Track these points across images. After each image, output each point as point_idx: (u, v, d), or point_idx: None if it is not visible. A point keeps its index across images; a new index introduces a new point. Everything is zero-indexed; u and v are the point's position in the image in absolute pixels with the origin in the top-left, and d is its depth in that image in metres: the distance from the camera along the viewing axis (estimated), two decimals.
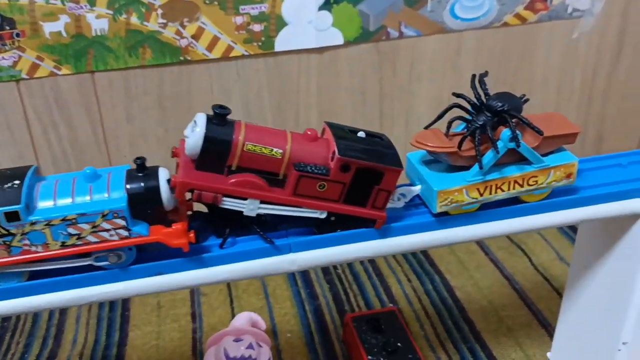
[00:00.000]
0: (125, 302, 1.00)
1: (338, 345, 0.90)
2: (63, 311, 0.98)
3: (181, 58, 0.99)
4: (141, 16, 0.94)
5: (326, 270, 1.06)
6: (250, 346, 0.79)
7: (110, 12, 0.93)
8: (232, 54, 1.01)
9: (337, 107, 1.11)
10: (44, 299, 0.56)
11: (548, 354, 0.87)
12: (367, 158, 0.56)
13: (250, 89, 1.05)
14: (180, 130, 0.57)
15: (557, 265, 1.05)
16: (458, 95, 0.62)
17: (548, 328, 0.91)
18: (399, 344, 0.80)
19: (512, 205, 0.62)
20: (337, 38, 1.04)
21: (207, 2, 0.96)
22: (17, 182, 0.53)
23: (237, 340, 0.80)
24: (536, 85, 1.20)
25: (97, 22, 0.93)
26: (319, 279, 1.04)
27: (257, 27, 1.00)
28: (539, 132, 0.60)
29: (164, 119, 1.04)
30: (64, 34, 0.93)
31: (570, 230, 1.13)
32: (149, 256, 0.57)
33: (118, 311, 0.98)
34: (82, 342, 0.92)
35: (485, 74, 0.63)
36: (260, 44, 1.01)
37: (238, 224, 0.58)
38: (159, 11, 0.95)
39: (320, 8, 1.01)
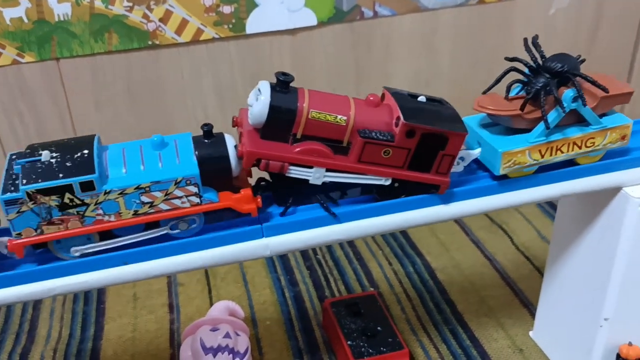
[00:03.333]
0: (101, 295, 0.98)
1: (319, 332, 0.88)
2: (36, 306, 0.96)
3: (149, 42, 0.96)
4: (105, 0, 0.91)
5: (306, 256, 1.04)
6: (227, 335, 0.77)
7: None
8: (202, 37, 0.98)
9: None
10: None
11: (530, 333, 0.86)
12: (432, 123, 0.55)
13: (222, 73, 1.02)
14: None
15: (538, 244, 1.04)
16: (512, 59, 0.62)
17: (530, 307, 0.90)
18: (378, 328, 0.79)
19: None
20: (310, 19, 1.02)
21: None
22: (86, 151, 0.52)
23: (213, 329, 0.78)
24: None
25: (60, 7, 0.90)
26: (299, 265, 1.02)
27: (227, 9, 0.97)
28: (605, 90, 0.60)
29: (134, 106, 1.01)
30: (25, 19, 0.89)
31: (551, 209, 1.12)
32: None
33: (93, 304, 0.96)
34: (56, 337, 0.90)
35: (537, 37, 0.63)
36: (230, 26, 0.98)
37: (299, 193, 0.57)
38: None
39: None
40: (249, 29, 0.99)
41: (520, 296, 0.93)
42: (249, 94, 0.56)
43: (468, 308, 0.91)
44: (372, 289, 0.96)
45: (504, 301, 0.92)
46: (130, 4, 0.92)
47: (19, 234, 0.52)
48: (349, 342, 0.77)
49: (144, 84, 1.00)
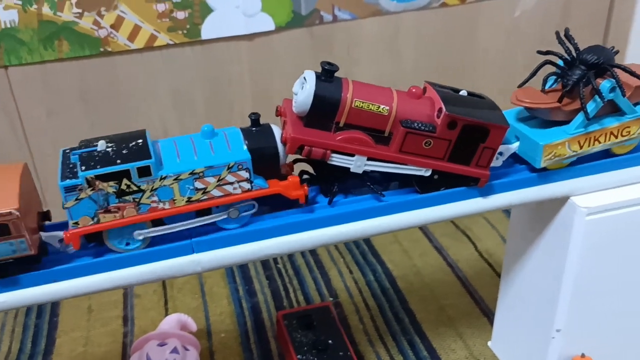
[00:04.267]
0: (55, 307, 0.95)
1: (274, 344, 0.86)
2: None
3: (101, 49, 0.94)
4: (53, 6, 0.89)
5: (266, 265, 1.02)
6: (174, 350, 0.75)
7: (19, 2, 0.87)
8: (157, 44, 0.96)
9: (273, 95, 1.06)
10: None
11: (489, 343, 0.84)
12: (474, 115, 0.56)
13: (179, 79, 1.00)
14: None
15: (501, 250, 1.02)
16: (546, 53, 0.63)
17: (490, 316, 0.89)
18: (330, 341, 0.77)
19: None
20: (268, 23, 1.00)
21: None
22: (140, 141, 0.53)
23: (161, 344, 0.76)
24: (480, 65, 1.17)
25: (6, 14, 0.88)
26: (259, 275, 1.00)
27: (180, 15, 0.95)
28: None
29: (88, 113, 0.99)
30: None
31: None
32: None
33: (46, 317, 0.94)
34: (5, 352, 0.88)
35: (568, 30, 0.64)
36: (185, 32, 0.96)
37: (341, 182, 0.58)
38: (73, 0, 0.89)
39: None
40: (205, 35, 0.97)
41: (481, 305, 0.91)
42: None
43: (427, 317, 0.90)
44: (331, 298, 0.94)
45: (464, 310, 0.91)
46: (80, 11, 0.90)
47: (76, 223, 0.52)
48: (298, 356, 0.75)
49: (98, 91, 0.98)
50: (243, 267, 1.01)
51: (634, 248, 0.65)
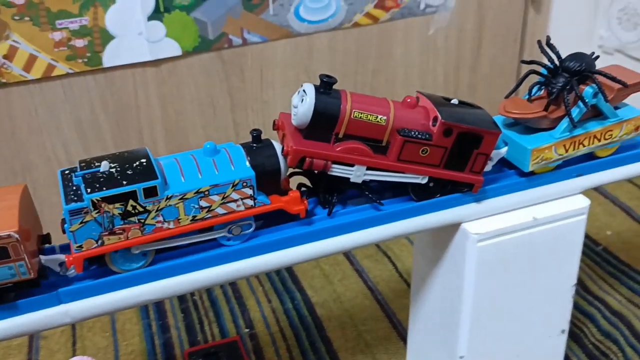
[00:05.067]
0: None
1: None
2: None
3: None
4: None
5: (182, 298, 0.98)
6: None
7: None
8: (55, 73, 0.92)
9: (185, 122, 1.04)
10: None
11: None
12: (468, 122, 0.57)
13: (81, 109, 0.97)
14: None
15: None
16: (530, 62, 0.65)
17: (406, 341, 0.87)
18: None
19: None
20: (174, 49, 0.97)
21: (17, 18, 0.87)
22: (144, 160, 0.53)
23: None
24: (398, 84, 1.17)
25: None
26: (174, 308, 0.97)
27: (79, 43, 0.91)
28: (624, 84, 0.63)
29: None
30: None
31: None
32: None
33: None
34: None
35: (549, 38, 0.65)
36: (85, 60, 0.93)
37: (340, 192, 0.60)
38: None
39: (150, 18, 0.94)
40: (107, 62, 0.94)
41: (399, 328, 0.90)
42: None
43: (344, 345, 0.88)
44: (246, 330, 0.91)
45: (382, 335, 0.89)
46: None
47: (80, 246, 0.52)
48: None
49: None
50: (158, 303, 0.98)
51: (527, 271, 0.65)
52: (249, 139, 0.57)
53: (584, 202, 0.65)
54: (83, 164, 0.53)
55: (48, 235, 0.55)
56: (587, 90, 0.61)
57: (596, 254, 1.03)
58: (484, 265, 0.62)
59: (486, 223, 0.62)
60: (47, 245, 0.55)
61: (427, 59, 1.17)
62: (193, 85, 1.01)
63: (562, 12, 1.27)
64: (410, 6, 1.10)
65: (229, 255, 0.56)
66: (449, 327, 0.68)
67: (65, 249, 0.54)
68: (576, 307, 0.92)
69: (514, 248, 0.63)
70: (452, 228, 0.63)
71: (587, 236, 1.08)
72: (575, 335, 0.87)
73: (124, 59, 0.95)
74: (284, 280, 1.01)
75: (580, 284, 0.96)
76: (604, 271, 0.99)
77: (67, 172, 0.54)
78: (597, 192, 1.17)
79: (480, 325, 0.66)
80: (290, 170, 0.58)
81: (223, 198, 0.54)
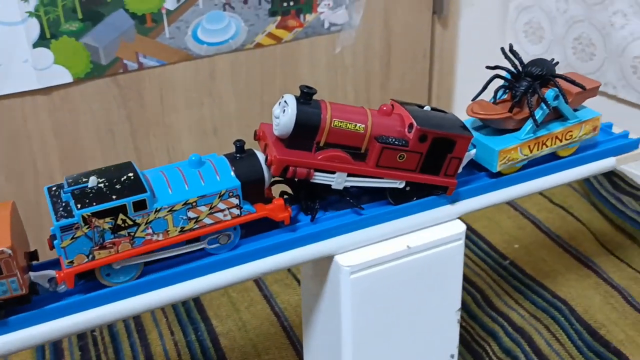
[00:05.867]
0: None
1: None
2: None
3: None
4: None
5: (81, 335, 0.95)
6: None
7: None
8: None
9: (83, 150, 1.00)
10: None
11: None
12: (442, 128, 0.60)
13: None
14: None
15: None
16: (494, 67, 0.68)
17: None
18: None
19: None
20: (64, 76, 0.94)
21: None
22: (130, 174, 0.53)
23: None
24: None
25: None
26: (72, 346, 0.93)
27: None
28: (582, 87, 0.67)
29: None
30: None
31: None
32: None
33: None
34: None
35: (512, 45, 0.70)
36: None
37: (322, 199, 0.61)
38: None
39: (36, 45, 0.90)
40: None
41: (302, 357, 0.88)
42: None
43: None
44: None
45: None
46: None
47: (71, 262, 0.52)
48: None
49: None
50: (55, 342, 0.94)
51: (407, 300, 0.64)
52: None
53: (460, 227, 0.64)
54: (70, 180, 0.53)
55: (35, 252, 0.56)
56: (549, 92, 0.65)
57: (503, 268, 1.03)
58: (359, 297, 0.61)
59: (359, 254, 0.61)
60: (34, 262, 0.55)
61: (335, 77, 1.16)
62: (88, 112, 0.98)
63: (471, 27, 1.28)
64: (314, 25, 1.09)
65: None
66: (335, 358, 0.67)
67: (52, 265, 0.55)
68: (480, 324, 0.92)
69: (389, 278, 0.62)
70: (327, 260, 0.62)
71: (494, 250, 1.09)
72: (476, 354, 0.87)
73: (11, 87, 0.91)
74: (189, 310, 0.99)
75: (486, 300, 0.96)
76: (509, 286, 0.99)
77: (54, 188, 0.54)
78: (508, 205, 1.18)
79: (363, 355, 0.65)
80: (272, 178, 0.60)
81: (210, 208, 0.55)
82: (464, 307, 0.96)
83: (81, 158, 1.00)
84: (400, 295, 0.64)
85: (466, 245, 1.09)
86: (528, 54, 1.29)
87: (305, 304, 0.72)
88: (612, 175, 1.17)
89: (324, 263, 0.62)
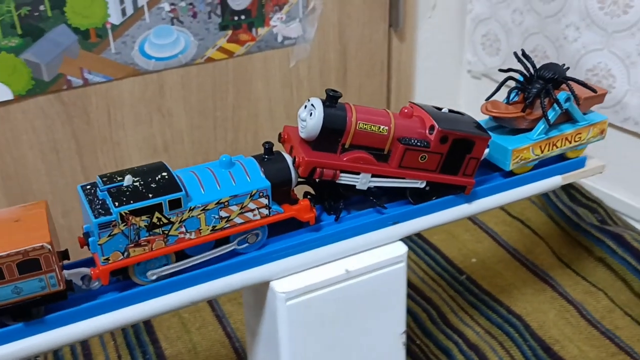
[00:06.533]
0: None
1: None
2: None
3: None
4: None
5: None
6: None
7: None
8: None
9: (25, 169, 0.97)
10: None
11: None
12: (462, 129, 0.62)
13: None
14: None
15: None
16: (507, 70, 0.71)
17: None
18: None
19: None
20: (5, 93, 0.91)
21: None
22: (165, 174, 0.54)
23: None
24: (262, 117, 1.14)
25: None
26: None
27: None
28: (594, 91, 0.71)
29: None
30: None
31: None
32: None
33: None
34: None
35: (523, 50, 0.72)
36: None
37: (346, 199, 0.63)
38: None
39: None
40: None
41: None
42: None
43: None
44: None
45: None
46: None
47: (107, 259, 0.53)
48: None
49: None
50: None
51: (348, 324, 0.62)
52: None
53: (401, 249, 0.63)
54: (105, 179, 0.54)
55: (66, 251, 0.56)
56: (562, 94, 0.68)
57: (460, 284, 1.02)
58: (297, 323, 0.59)
59: (295, 280, 0.59)
60: (65, 262, 0.56)
61: (290, 91, 1.15)
62: (31, 129, 0.95)
63: (429, 39, 1.27)
64: (267, 39, 1.07)
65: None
66: None
67: (83, 264, 0.55)
68: (434, 342, 0.91)
69: (329, 302, 0.60)
70: (265, 286, 0.60)
71: (452, 265, 1.08)
72: None
73: None
74: (138, 332, 0.96)
75: (441, 317, 0.95)
76: (465, 301, 0.98)
77: (88, 187, 0.55)
78: (466, 218, 1.17)
79: None
80: (298, 179, 0.61)
81: (241, 208, 0.56)
82: (419, 325, 0.95)
83: (24, 177, 0.97)
84: (341, 320, 0.62)
85: (424, 260, 1.08)
86: (486, 66, 1.29)
87: (249, 331, 0.70)
88: (569, 188, 1.17)
89: (262, 289, 0.61)
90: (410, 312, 0.96)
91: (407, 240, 1.12)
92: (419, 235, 1.13)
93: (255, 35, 1.06)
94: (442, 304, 0.98)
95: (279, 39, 1.08)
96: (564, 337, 0.90)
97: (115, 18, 0.93)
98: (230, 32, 1.03)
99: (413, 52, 1.26)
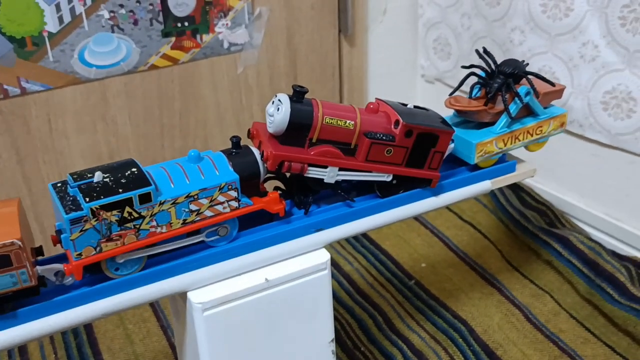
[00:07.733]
0: None
1: None
2: None
3: None
4: None
5: None
6: None
7: None
8: None
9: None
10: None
11: None
12: (426, 123, 0.63)
13: None
14: None
15: None
16: (470, 66, 0.73)
17: None
18: None
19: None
20: None
21: None
22: (134, 169, 0.55)
23: None
24: (211, 124, 1.13)
25: None
26: None
27: None
28: (552, 84, 0.73)
29: None
30: None
31: None
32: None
33: None
34: None
35: (485, 48, 0.74)
36: None
37: (315, 193, 0.64)
38: None
39: None
40: None
41: None
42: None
43: None
44: None
45: None
46: None
47: (80, 254, 0.53)
48: None
49: None
50: None
51: (273, 334, 0.61)
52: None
53: (324, 257, 0.62)
54: (75, 176, 0.54)
55: (40, 247, 0.56)
56: (522, 88, 0.70)
57: (408, 289, 1.02)
58: (216, 333, 0.58)
59: (213, 290, 0.58)
60: (39, 258, 0.56)
61: (239, 97, 1.14)
62: None
63: (382, 45, 1.27)
64: (212, 45, 1.06)
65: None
66: None
67: (56, 260, 0.56)
68: (379, 348, 0.90)
69: (249, 312, 0.59)
70: (183, 296, 0.59)
71: (401, 269, 1.07)
72: None
73: None
74: (81, 344, 0.94)
75: (387, 323, 0.94)
76: (412, 306, 0.98)
77: (59, 184, 0.55)
78: (418, 222, 1.17)
79: None
80: (267, 173, 0.62)
81: (211, 201, 0.57)
82: (365, 331, 0.94)
83: None
84: (265, 330, 0.61)
85: (374, 266, 1.08)
86: (439, 70, 1.30)
87: (177, 341, 0.69)
88: (519, 191, 1.17)
89: (181, 299, 0.60)
90: (356, 318, 0.96)
91: (358, 245, 1.12)
92: (370, 240, 1.13)
93: (200, 42, 1.05)
94: (389, 310, 0.97)
95: (225, 45, 1.07)
96: (508, 341, 0.90)
97: (52, 26, 0.92)
98: (173, 39, 1.02)
99: (364, 56, 1.25)
